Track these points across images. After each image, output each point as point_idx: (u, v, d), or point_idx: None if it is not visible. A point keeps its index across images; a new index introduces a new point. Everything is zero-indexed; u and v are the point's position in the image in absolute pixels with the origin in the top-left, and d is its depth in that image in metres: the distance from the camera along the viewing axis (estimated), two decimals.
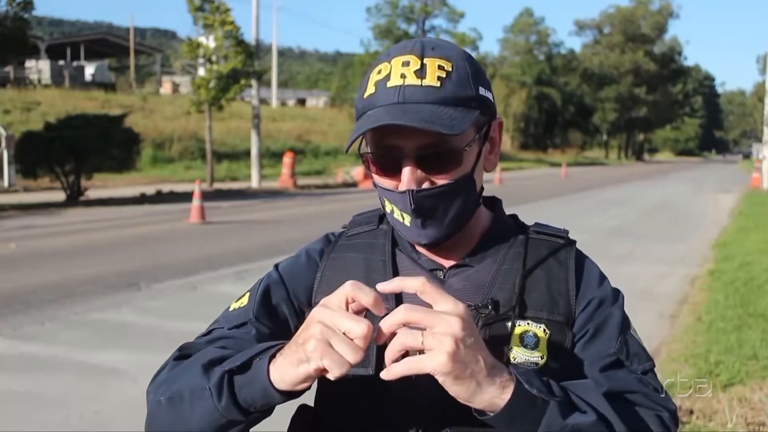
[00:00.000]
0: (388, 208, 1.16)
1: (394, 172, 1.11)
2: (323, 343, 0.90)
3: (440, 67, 1.09)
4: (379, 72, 1.11)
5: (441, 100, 1.07)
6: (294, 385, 0.95)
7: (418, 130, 1.05)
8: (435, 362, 0.90)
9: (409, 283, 0.94)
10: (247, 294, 1.21)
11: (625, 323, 1.17)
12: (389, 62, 1.11)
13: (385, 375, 0.92)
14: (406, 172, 1.09)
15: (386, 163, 1.12)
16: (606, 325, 1.15)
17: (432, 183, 1.11)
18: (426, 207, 1.10)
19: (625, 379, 1.12)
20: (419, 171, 1.10)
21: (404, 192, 1.10)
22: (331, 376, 0.91)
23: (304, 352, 0.92)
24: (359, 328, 0.89)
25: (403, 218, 1.13)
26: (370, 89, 1.11)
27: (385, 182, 1.13)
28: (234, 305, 1.21)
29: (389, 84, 1.09)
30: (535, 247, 1.19)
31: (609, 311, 1.17)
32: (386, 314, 0.94)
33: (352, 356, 0.90)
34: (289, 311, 1.19)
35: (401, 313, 0.92)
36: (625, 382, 1.11)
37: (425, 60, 1.09)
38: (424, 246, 1.17)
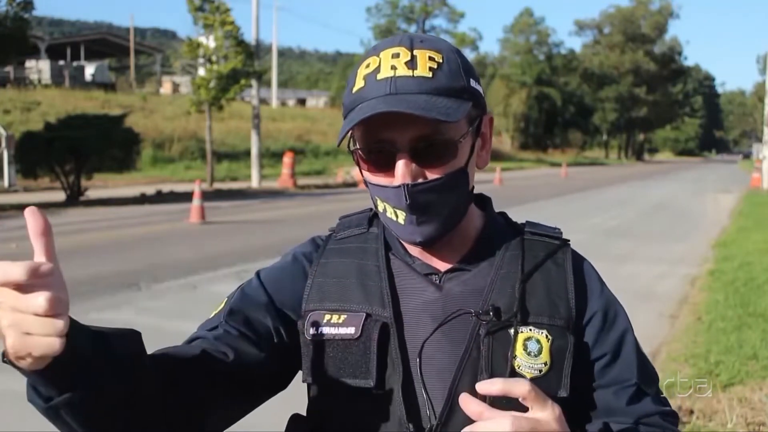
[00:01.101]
0: (381, 207, 1.11)
1: (387, 168, 1.07)
2: (21, 338, 0.78)
3: (431, 59, 1.06)
4: (368, 66, 1.08)
5: (434, 90, 1.04)
6: (37, 367, 0.83)
7: (412, 120, 1.02)
8: None
9: (517, 389, 0.95)
10: (225, 300, 1.18)
11: (637, 344, 1.19)
12: (378, 56, 1.07)
13: None
14: (401, 165, 1.05)
15: (378, 158, 1.08)
16: (622, 349, 1.16)
17: (426, 178, 1.07)
18: (421, 202, 1.06)
19: (646, 405, 1.15)
20: (414, 164, 1.06)
21: (399, 186, 1.06)
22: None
23: (11, 352, 0.80)
24: (39, 303, 0.76)
25: (397, 216, 1.09)
26: (359, 83, 1.07)
27: (378, 179, 1.09)
28: (213, 312, 1.18)
29: (379, 76, 1.05)
30: (531, 249, 1.16)
31: (621, 332, 1.17)
32: None
33: (56, 330, 0.77)
34: (271, 316, 1.14)
35: (509, 425, 0.92)
36: (647, 408, 1.15)
37: (415, 51, 1.06)
38: (419, 244, 1.12)
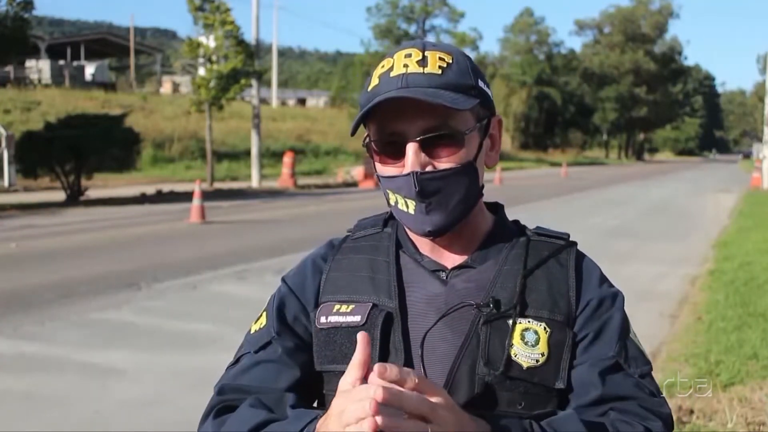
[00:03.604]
0: (392, 199, 1.17)
1: (398, 159, 1.14)
2: None
3: (441, 59, 1.14)
4: (383, 66, 1.15)
5: (443, 85, 1.11)
6: None
7: (421, 112, 1.09)
8: None
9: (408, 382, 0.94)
10: (264, 313, 1.24)
11: (624, 326, 1.17)
12: (392, 57, 1.16)
13: None
14: (410, 153, 1.11)
15: (390, 150, 1.14)
16: (606, 328, 1.16)
17: (435, 168, 1.13)
18: (430, 190, 1.12)
19: (622, 383, 1.12)
20: (423, 154, 1.12)
21: (408, 174, 1.12)
22: None
23: None
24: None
25: (408, 206, 1.14)
26: (374, 82, 1.15)
27: (389, 170, 1.15)
28: (254, 327, 1.23)
29: (392, 74, 1.13)
30: (535, 249, 1.21)
31: (609, 314, 1.17)
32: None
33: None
34: (307, 319, 1.21)
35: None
36: (621, 387, 1.11)
37: (426, 52, 1.14)
38: (429, 234, 1.16)
